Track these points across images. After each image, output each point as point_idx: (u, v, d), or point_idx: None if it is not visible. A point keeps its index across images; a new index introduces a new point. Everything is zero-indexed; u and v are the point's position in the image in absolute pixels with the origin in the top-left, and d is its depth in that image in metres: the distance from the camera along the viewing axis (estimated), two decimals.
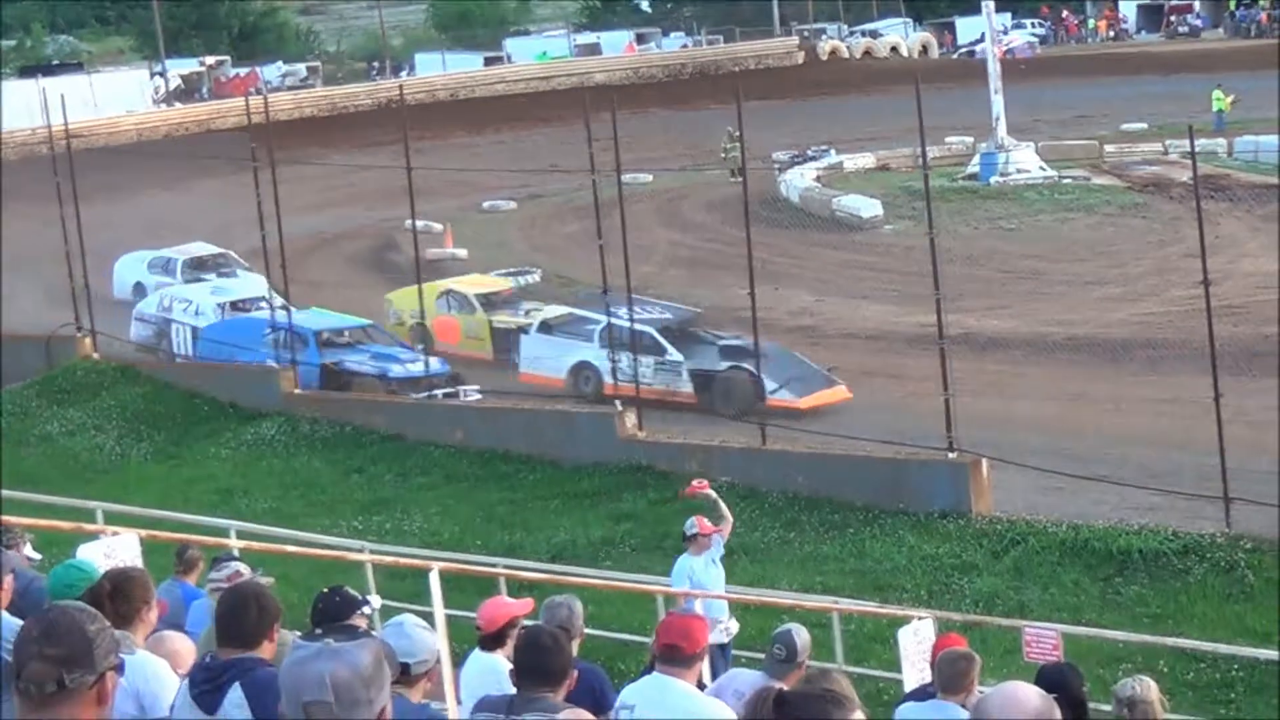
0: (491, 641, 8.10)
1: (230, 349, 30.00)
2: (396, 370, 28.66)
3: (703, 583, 15.19)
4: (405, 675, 6.42)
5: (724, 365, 27.00)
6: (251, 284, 32.94)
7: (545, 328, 29.17)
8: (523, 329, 29.74)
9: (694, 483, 16.81)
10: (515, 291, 32.93)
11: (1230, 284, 30.28)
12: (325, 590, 7.51)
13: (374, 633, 6.82)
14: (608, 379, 27.34)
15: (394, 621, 6.92)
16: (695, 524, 15.57)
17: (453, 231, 41.27)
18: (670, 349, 27.45)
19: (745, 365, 26.47)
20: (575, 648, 8.18)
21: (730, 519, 16.22)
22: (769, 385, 25.98)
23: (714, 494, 16.41)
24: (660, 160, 46.60)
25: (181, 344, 31.87)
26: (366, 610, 7.46)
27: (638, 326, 27.09)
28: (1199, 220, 22.47)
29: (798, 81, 72.34)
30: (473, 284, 33.49)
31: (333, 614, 7.12)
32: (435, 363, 29.05)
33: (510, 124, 62.10)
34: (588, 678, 7.61)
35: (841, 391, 26.60)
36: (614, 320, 27.20)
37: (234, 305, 32.12)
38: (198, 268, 36.56)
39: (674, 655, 7.17)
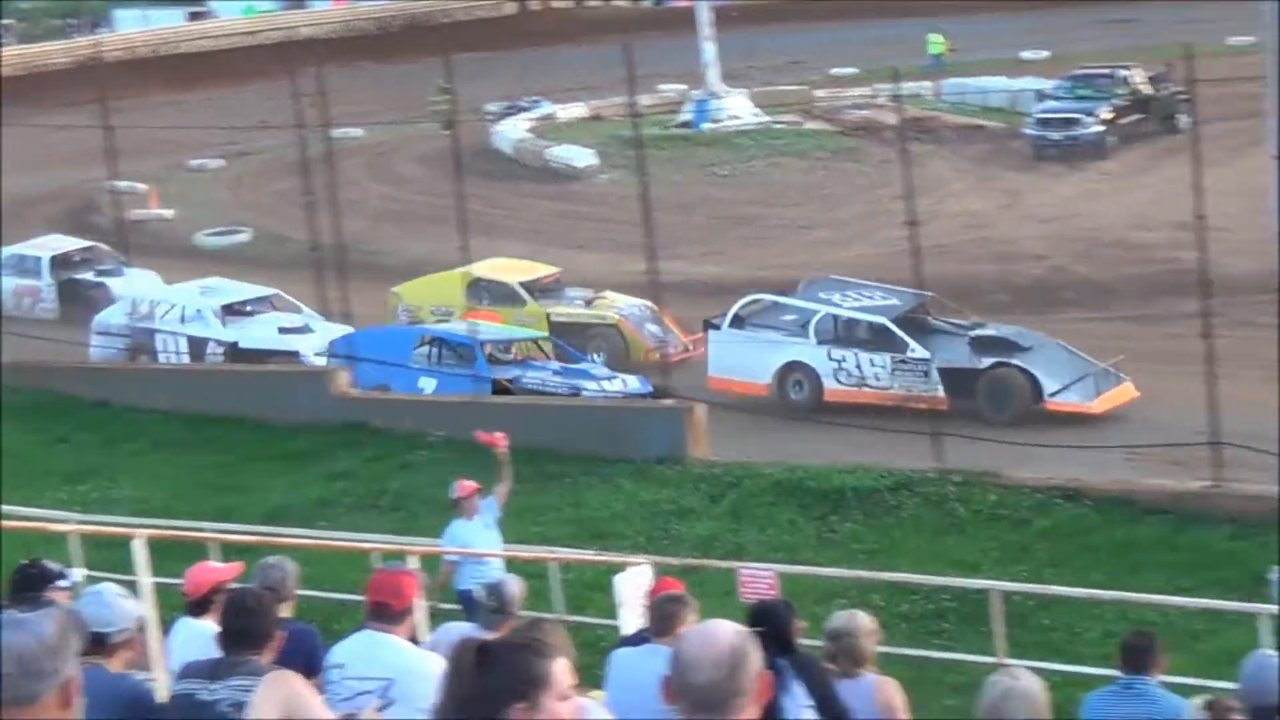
0: (197, 607, 7.98)
1: (373, 365, 24.73)
2: (591, 389, 24.05)
3: (475, 548, 14.95)
4: (103, 645, 6.33)
5: (987, 362, 22.98)
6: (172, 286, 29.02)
7: (738, 321, 24.41)
8: (710, 324, 24.82)
9: (491, 434, 15.63)
10: (561, 276, 27.29)
11: (938, 224, 31.02)
12: (23, 563, 7.37)
13: (72, 603, 6.63)
14: (829, 382, 23.59)
15: (92, 590, 6.82)
16: (456, 487, 15.29)
17: (158, 191, 40.37)
18: (913, 344, 23.27)
19: (1014, 361, 22.86)
20: (288, 609, 8.11)
21: (508, 481, 15.56)
22: (1049, 386, 22.64)
23: (506, 452, 15.52)
24: (371, 114, 46.04)
25: (172, 354, 27.50)
26: (64, 583, 7.29)
27: (863, 316, 23.83)
28: (904, 162, 22.96)
29: (509, 32, 72.06)
30: (508, 270, 28.64)
31: (30, 587, 6.94)
32: (634, 381, 24.53)
33: (216, 80, 60.75)
34: (299, 638, 7.55)
35: (1129, 389, 22.67)
36: (831, 309, 24.00)
37: (228, 309, 27.64)
38: (65, 265, 32.05)
39: (384, 612, 7.23)
